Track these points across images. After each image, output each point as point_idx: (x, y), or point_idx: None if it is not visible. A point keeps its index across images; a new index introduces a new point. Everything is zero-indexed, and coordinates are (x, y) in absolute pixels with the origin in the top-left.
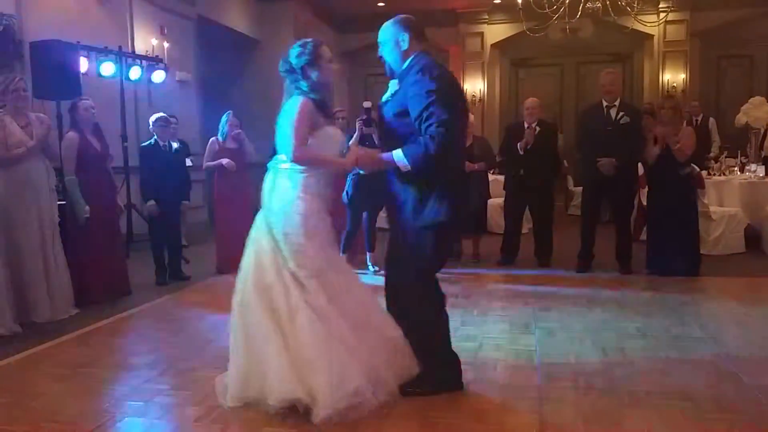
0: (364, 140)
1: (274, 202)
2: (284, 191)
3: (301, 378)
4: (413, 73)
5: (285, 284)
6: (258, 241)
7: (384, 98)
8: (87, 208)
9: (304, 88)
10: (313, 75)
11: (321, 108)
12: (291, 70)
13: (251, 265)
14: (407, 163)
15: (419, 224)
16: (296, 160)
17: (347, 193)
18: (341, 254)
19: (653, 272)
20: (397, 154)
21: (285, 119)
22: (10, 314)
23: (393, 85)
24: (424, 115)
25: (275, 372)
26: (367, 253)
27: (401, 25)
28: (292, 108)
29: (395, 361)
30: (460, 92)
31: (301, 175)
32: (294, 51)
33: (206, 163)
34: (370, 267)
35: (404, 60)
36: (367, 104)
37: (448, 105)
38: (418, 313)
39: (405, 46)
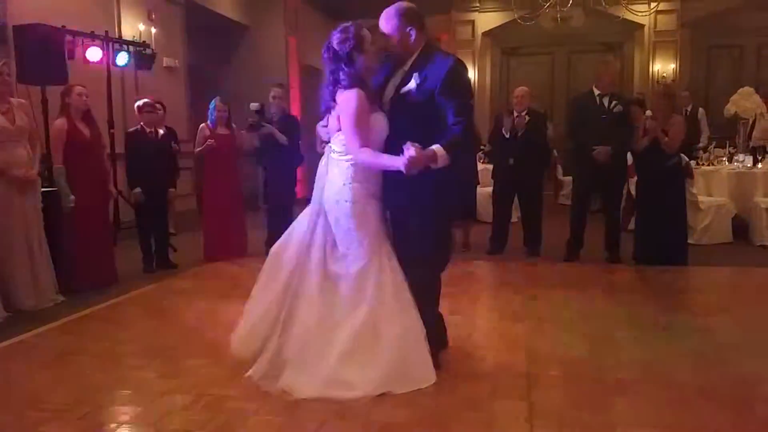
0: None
1: (327, 189)
2: (334, 178)
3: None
4: (443, 71)
5: (307, 266)
6: (303, 217)
7: (405, 89)
8: (72, 197)
9: (350, 76)
10: (359, 60)
11: (369, 95)
12: (335, 57)
13: (287, 233)
14: (447, 156)
15: (424, 205)
16: (359, 161)
17: None
18: None
19: (641, 262)
20: (440, 150)
21: (344, 115)
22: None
23: (415, 78)
24: (457, 113)
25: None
26: None
27: (405, 17)
28: (348, 103)
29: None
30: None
31: (347, 164)
32: (336, 37)
33: (197, 149)
34: None
35: (412, 52)
36: (254, 106)
37: (468, 104)
38: (421, 295)
39: (412, 38)
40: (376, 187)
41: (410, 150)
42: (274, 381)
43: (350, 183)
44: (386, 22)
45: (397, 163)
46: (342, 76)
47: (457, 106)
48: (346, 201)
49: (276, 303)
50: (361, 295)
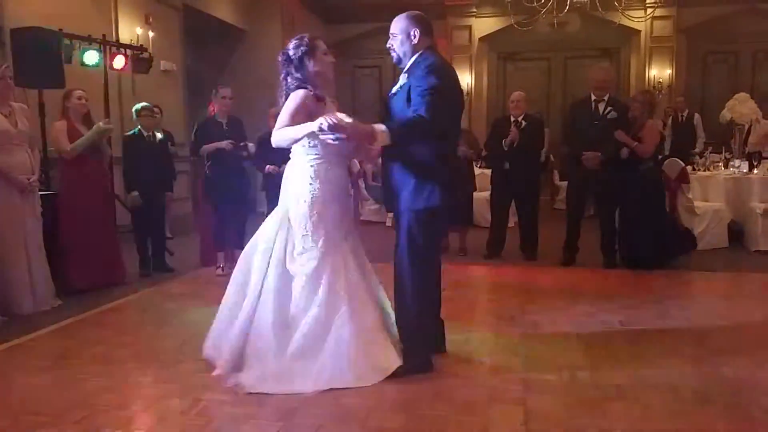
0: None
1: (289, 189)
2: (296, 179)
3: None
4: (421, 69)
5: (269, 265)
6: (269, 221)
7: (394, 90)
8: (104, 123)
9: (297, 80)
10: (309, 65)
11: (318, 98)
12: (288, 61)
13: (254, 236)
14: (387, 134)
15: (415, 208)
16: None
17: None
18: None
19: (630, 266)
20: (379, 126)
21: (284, 107)
22: None
23: (402, 78)
24: (418, 101)
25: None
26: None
27: (413, 20)
28: (291, 99)
29: (376, 352)
30: (460, 91)
31: (308, 164)
32: (292, 43)
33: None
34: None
35: (413, 53)
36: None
37: (442, 99)
38: (417, 298)
39: (415, 40)
40: (338, 188)
41: (338, 115)
42: (234, 377)
43: (310, 183)
44: (395, 23)
45: (311, 126)
46: (290, 79)
47: (422, 94)
48: (305, 200)
49: (243, 304)
50: (314, 294)
